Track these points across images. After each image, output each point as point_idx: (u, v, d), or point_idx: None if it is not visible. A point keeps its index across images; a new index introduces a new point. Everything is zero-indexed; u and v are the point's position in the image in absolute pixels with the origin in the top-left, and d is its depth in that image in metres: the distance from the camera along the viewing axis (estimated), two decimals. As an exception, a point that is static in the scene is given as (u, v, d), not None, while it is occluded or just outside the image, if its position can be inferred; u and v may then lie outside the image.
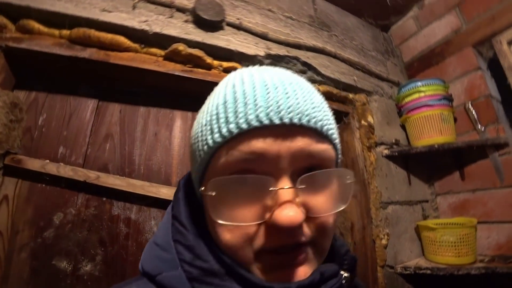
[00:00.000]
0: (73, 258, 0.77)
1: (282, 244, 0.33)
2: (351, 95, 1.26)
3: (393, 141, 1.25)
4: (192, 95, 0.99)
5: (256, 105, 0.32)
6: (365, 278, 1.06)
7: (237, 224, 0.33)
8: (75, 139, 0.86)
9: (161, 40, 0.90)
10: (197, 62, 0.96)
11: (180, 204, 0.40)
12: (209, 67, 0.98)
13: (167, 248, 0.36)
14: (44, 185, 0.78)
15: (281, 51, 1.11)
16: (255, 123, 0.31)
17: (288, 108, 0.32)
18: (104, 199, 0.84)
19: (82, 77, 0.90)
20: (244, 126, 0.31)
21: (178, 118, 1.04)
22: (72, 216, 0.79)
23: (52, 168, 0.78)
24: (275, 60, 1.11)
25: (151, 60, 0.90)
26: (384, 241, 1.09)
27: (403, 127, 1.33)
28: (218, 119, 0.34)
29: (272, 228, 0.32)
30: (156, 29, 0.88)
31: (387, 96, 1.34)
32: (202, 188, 0.34)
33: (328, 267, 0.36)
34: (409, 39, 1.46)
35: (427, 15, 1.37)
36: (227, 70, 1.01)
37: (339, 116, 1.29)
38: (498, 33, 1.11)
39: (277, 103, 0.32)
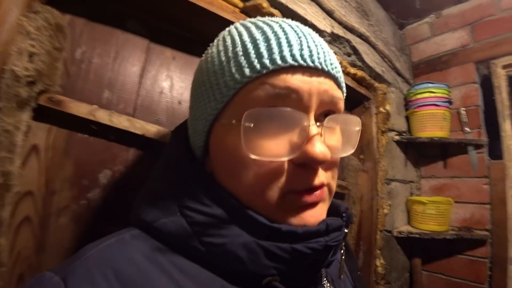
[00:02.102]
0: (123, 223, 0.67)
1: (310, 185, 0.34)
2: (376, 84, 1.41)
3: (402, 129, 1.47)
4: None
5: (291, 45, 0.33)
6: (369, 240, 1.30)
7: (271, 159, 0.32)
8: (123, 83, 0.71)
9: (246, -8, 0.83)
10: (272, 24, 0.94)
11: (179, 151, 0.39)
12: (280, 30, 0.98)
13: (164, 195, 0.36)
14: (87, 136, 0.63)
15: (340, 31, 1.16)
16: (291, 61, 0.32)
17: (318, 54, 0.34)
18: (159, 156, 0.74)
19: (130, 9, 0.74)
20: (279, 62, 0.32)
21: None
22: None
23: (103, 116, 0.63)
24: (333, 39, 1.16)
25: (228, 9, 0.82)
26: (386, 211, 1.34)
27: (406, 118, 1.56)
28: (247, 54, 0.33)
29: (301, 167, 0.33)
30: None
31: (399, 90, 1.54)
32: (234, 121, 0.33)
33: (334, 220, 0.37)
34: (420, 42, 1.66)
35: (441, 24, 1.58)
36: (295, 39, 1.02)
37: (360, 100, 1.44)
38: (496, 57, 1.38)
39: (309, 47, 0.34)
